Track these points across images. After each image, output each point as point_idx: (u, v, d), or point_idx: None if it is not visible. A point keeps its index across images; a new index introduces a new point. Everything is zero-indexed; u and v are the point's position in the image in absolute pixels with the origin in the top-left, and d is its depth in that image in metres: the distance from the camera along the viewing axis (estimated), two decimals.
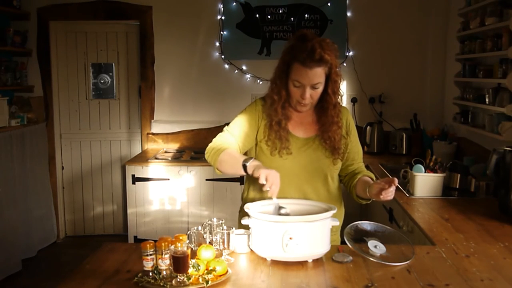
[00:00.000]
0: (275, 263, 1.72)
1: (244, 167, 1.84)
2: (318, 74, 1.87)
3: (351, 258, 1.74)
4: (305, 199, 1.97)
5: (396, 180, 1.83)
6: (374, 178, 2.08)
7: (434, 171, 2.76)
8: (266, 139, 2.00)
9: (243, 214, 1.93)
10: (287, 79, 1.93)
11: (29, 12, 4.53)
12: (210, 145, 2.03)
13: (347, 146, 2.07)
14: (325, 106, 1.98)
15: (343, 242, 1.89)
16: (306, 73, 1.86)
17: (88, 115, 4.85)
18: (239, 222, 2.10)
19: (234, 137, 2.02)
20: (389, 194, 1.85)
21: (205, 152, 2.02)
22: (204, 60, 4.60)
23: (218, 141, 2.02)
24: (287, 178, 1.98)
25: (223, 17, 4.53)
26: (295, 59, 1.87)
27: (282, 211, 1.78)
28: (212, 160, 1.98)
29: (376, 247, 1.76)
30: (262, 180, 1.75)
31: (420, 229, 2.21)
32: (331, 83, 1.92)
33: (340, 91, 1.99)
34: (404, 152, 4.29)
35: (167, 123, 4.70)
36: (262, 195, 2.01)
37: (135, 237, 4.09)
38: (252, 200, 2.01)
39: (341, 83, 1.98)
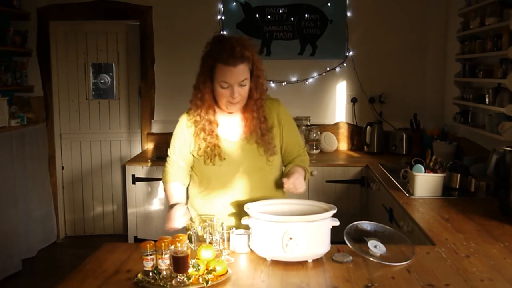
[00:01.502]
0: (275, 263, 1.72)
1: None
2: (242, 71, 1.89)
3: (351, 258, 1.74)
4: (251, 199, 1.96)
5: (292, 179, 1.89)
6: (307, 168, 2.10)
7: (434, 171, 2.76)
8: (197, 149, 2.02)
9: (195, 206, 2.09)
10: (212, 83, 1.94)
11: (29, 12, 4.53)
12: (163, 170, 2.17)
13: (282, 139, 2.07)
14: (248, 102, 1.99)
15: (338, 242, 1.90)
16: (231, 71, 1.87)
17: (88, 115, 4.85)
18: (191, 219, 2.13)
19: (175, 161, 2.11)
20: (291, 186, 1.90)
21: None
22: None
23: (166, 169, 2.15)
24: (226, 183, 2.01)
25: (223, 17, 4.53)
26: (217, 61, 1.88)
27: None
28: None
29: (376, 247, 1.76)
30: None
31: (420, 229, 2.21)
32: (254, 78, 1.95)
33: (264, 86, 2.00)
34: (404, 152, 4.30)
35: (167, 123, 4.70)
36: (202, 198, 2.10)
37: (135, 237, 4.09)
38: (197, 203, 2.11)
39: (264, 78, 2.00)
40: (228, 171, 2.01)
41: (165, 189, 2.15)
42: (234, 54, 1.85)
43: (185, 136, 2.06)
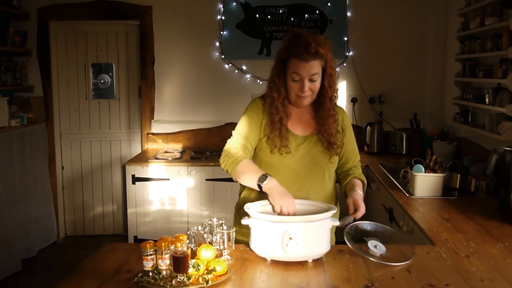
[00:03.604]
0: (275, 263, 1.72)
1: (260, 187, 1.87)
2: (315, 66, 1.92)
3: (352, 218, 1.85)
4: (304, 197, 1.97)
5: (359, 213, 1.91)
6: (365, 182, 2.13)
7: (434, 171, 2.76)
8: (266, 138, 2.04)
9: (241, 212, 1.92)
10: (285, 76, 1.98)
11: (29, 12, 4.53)
12: (224, 152, 2.04)
13: (342, 144, 2.11)
14: (322, 100, 2.02)
15: (338, 242, 1.90)
16: (303, 66, 1.91)
17: (88, 115, 4.85)
18: (235, 220, 2.11)
19: (243, 137, 2.04)
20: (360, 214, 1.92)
21: (220, 159, 2.05)
22: (204, 60, 4.60)
23: (231, 147, 2.03)
24: (285, 175, 2.01)
25: (223, 17, 4.53)
26: (291, 55, 1.93)
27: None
28: (229, 170, 2.00)
29: (376, 247, 1.76)
30: (277, 210, 1.80)
31: (420, 229, 2.21)
32: (327, 76, 1.97)
33: (336, 85, 2.03)
34: (404, 152, 4.30)
35: (167, 123, 4.70)
36: (258, 195, 2.02)
37: (135, 237, 4.09)
38: (250, 199, 2.03)
39: (337, 77, 2.02)
40: (291, 164, 2.03)
41: (241, 166, 1.94)
42: (309, 50, 1.89)
43: (261, 118, 2.06)
